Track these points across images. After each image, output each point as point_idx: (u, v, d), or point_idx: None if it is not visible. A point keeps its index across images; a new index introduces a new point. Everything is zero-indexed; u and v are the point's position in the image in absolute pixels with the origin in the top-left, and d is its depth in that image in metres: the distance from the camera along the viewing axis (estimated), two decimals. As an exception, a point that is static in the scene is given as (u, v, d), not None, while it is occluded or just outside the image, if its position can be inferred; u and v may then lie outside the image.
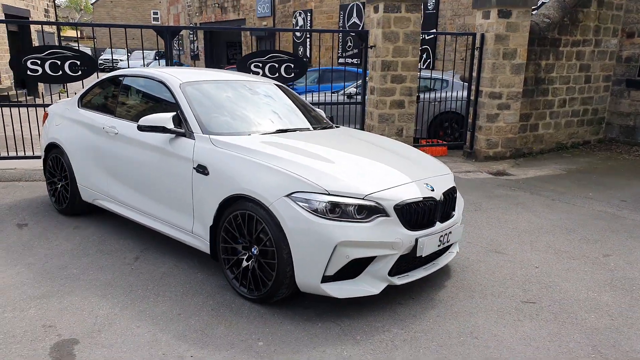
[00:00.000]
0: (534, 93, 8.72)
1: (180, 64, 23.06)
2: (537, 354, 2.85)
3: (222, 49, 25.95)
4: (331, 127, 4.59)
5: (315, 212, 3.01)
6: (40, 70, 6.77)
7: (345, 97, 9.04)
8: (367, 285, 3.14)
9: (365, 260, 3.12)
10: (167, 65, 7.28)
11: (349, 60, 16.04)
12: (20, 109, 7.72)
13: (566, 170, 7.80)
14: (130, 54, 24.68)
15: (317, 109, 5.04)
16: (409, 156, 3.94)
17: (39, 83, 14.07)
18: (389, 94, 7.82)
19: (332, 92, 9.19)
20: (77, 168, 4.72)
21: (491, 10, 7.97)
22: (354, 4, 15.71)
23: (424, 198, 3.28)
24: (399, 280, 3.25)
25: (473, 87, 8.49)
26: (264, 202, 3.12)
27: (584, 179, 7.19)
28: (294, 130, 4.16)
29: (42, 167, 5.25)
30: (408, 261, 3.31)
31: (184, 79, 4.17)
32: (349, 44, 16.19)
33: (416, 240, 3.20)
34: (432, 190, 3.39)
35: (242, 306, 3.25)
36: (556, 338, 3.02)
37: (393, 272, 3.23)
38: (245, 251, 3.33)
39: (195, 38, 25.97)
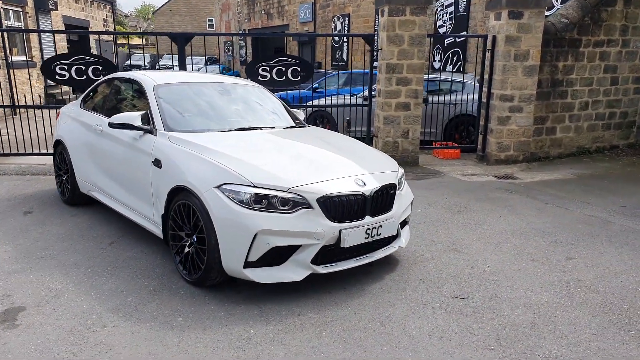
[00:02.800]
0: (550, 95, 8.49)
1: (229, 70, 23.95)
2: (436, 343, 2.95)
3: (271, 54, 26.70)
4: (301, 127, 4.83)
5: (240, 202, 3.27)
6: (67, 75, 7.46)
7: (362, 100, 9.22)
8: (290, 273, 3.36)
9: (290, 248, 3.34)
10: (179, 69, 7.78)
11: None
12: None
13: (578, 175, 7.56)
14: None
15: (297, 111, 5.31)
16: (358, 154, 4.11)
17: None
18: (394, 96, 7.92)
19: (351, 95, 9.40)
20: (75, 162, 5.24)
21: (502, 11, 7.89)
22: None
23: (350, 193, 3.45)
24: (323, 270, 3.44)
25: (485, 90, 8.42)
26: (197, 192, 3.43)
27: (592, 184, 6.95)
28: (256, 128, 4.44)
29: (52, 162, 5.84)
30: (337, 252, 3.49)
31: (159, 81, 4.56)
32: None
33: (340, 231, 3.38)
34: (363, 185, 3.55)
35: (181, 288, 3.56)
36: (465, 331, 3.09)
37: (318, 261, 3.43)
38: (188, 238, 3.64)
39: (243, 44, 26.87)
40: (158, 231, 3.97)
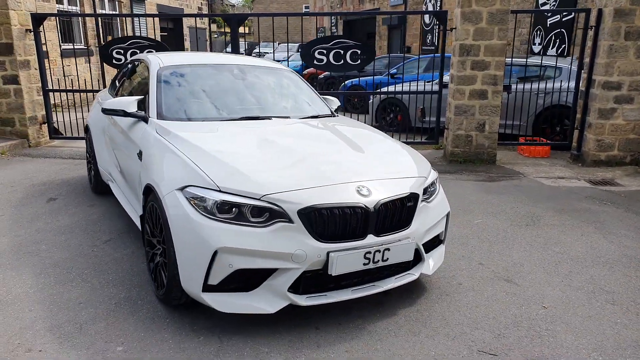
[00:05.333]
0: (671, 83, 6.81)
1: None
2: None
3: (364, 39, 25.83)
4: (327, 117, 4.08)
5: (204, 210, 2.63)
6: (123, 59, 7.33)
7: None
8: (261, 302, 2.65)
9: (262, 271, 2.64)
10: (232, 52, 7.33)
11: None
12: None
13: None
14: (278, 45, 25.89)
15: (331, 98, 4.57)
16: (375, 154, 3.26)
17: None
18: (468, 83, 6.80)
19: (427, 82, 8.35)
20: (97, 150, 4.95)
21: (611, -21, 6.41)
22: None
23: (346, 204, 2.65)
24: (306, 301, 2.69)
25: (584, 76, 6.98)
26: (159, 194, 2.83)
27: None
28: (264, 118, 3.76)
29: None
30: (328, 279, 2.73)
31: (166, 63, 4.05)
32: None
33: (328, 254, 2.61)
34: (367, 195, 2.73)
35: (146, 304, 3.01)
36: (480, 411, 2.19)
37: (301, 289, 2.69)
38: (159, 246, 3.07)
39: (335, 30, 26.27)
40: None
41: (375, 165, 3.08)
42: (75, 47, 11.24)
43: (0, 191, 5.24)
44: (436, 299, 3.18)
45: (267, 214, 2.61)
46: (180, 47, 20.18)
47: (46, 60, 7.64)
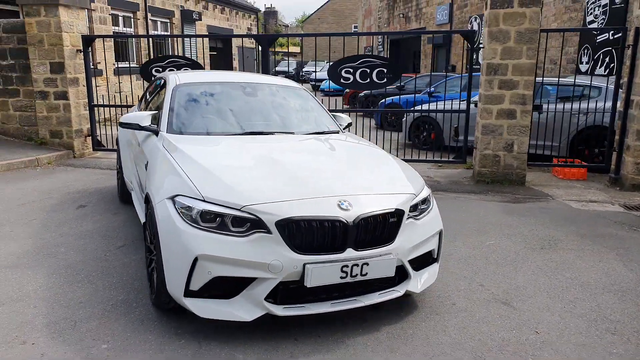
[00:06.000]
0: None
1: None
2: None
3: (410, 58, 25.82)
4: (333, 133, 4.16)
5: (190, 219, 2.76)
6: (161, 77, 7.73)
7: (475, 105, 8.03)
8: (239, 310, 2.73)
9: (241, 280, 2.72)
10: (262, 71, 7.57)
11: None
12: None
13: None
14: (326, 64, 26.37)
15: (341, 116, 4.65)
16: (366, 169, 3.31)
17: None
18: (496, 102, 6.69)
19: (461, 100, 8.27)
20: (123, 160, 5.25)
21: (649, -4, 6.17)
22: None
23: (324, 217, 2.71)
24: (283, 311, 2.74)
25: (623, 96, 6.70)
26: (152, 202, 3.00)
27: None
28: (267, 133, 3.89)
29: (117, 159, 5.99)
30: (304, 291, 2.77)
31: (183, 81, 4.28)
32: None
33: (304, 265, 2.66)
34: (348, 209, 2.77)
35: (140, 307, 3.16)
36: None
37: (279, 299, 2.75)
38: (155, 251, 3.22)
39: (382, 49, 26.42)
40: (148, 240, 3.65)
41: (364, 181, 3.12)
42: (123, 66, 11.91)
43: (38, 198, 5.64)
44: (424, 317, 3.14)
45: (249, 224, 2.70)
46: (228, 66, 20.94)
47: (100, 78, 8.20)
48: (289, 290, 2.77)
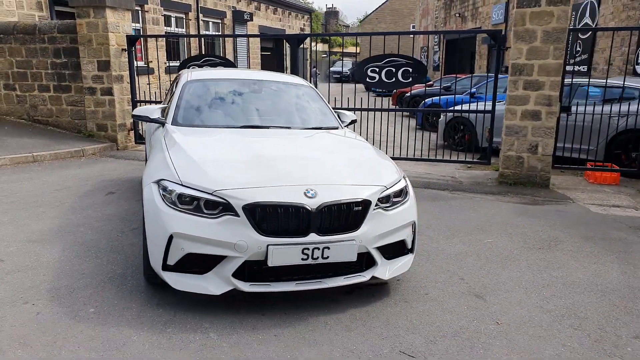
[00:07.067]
0: None
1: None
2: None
3: (467, 59, 25.32)
4: (331, 129, 4.36)
5: (169, 201, 3.05)
6: (198, 75, 8.20)
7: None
8: (210, 284, 2.99)
9: (211, 258, 2.98)
10: (290, 72, 7.85)
11: (576, 68, 13.71)
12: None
13: None
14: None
15: (345, 113, 4.84)
16: (343, 163, 3.48)
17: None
18: (521, 103, 6.60)
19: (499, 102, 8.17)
20: (147, 151, 5.69)
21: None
22: (587, 3, 13.41)
23: (288, 203, 2.92)
24: (249, 288, 2.97)
25: (657, 97, 6.41)
26: (143, 185, 3.33)
27: None
28: (264, 127, 4.16)
29: (147, 150, 6.46)
30: (268, 270, 3.00)
31: (194, 77, 4.62)
32: (577, 48, 13.85)
33: (267, 246, 2.89)
34: (312, 197, 2.97)
35: (132, 281, 3.49)
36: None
37: (247, 277, 2.99)
38: (149, 231, 3.56)
39: (437, 49, 26.07)
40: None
41: (338, 172, 3.30)
42: (173, 64, 12.60)
43: (75, 184, 6.21)
44: (392, 304, 3.28)
45: (220, 207, 2.96)
46: (280, 65, 21.46)
47: (152, 76, 8.75)
48: (262, 271, 3.00)
